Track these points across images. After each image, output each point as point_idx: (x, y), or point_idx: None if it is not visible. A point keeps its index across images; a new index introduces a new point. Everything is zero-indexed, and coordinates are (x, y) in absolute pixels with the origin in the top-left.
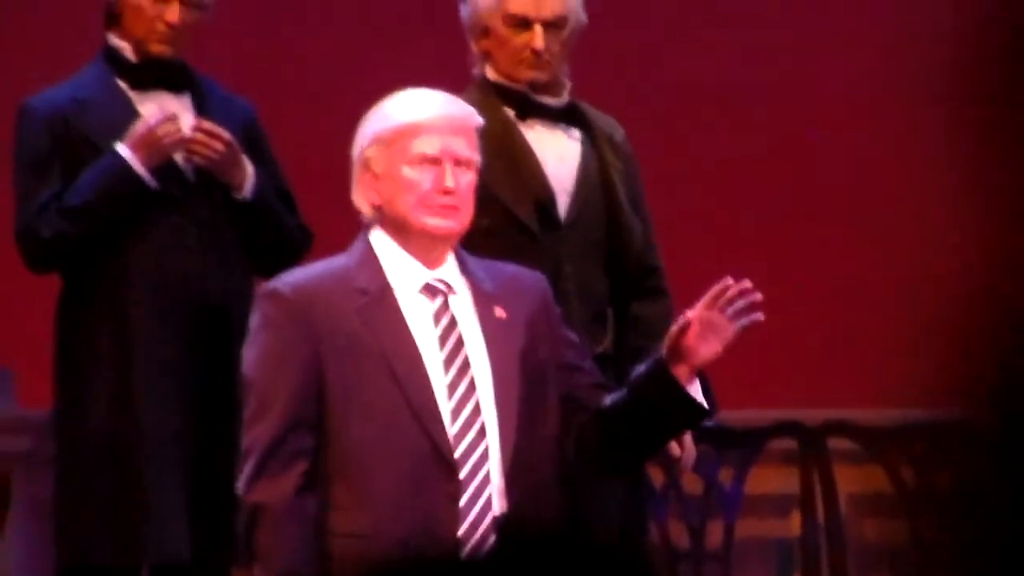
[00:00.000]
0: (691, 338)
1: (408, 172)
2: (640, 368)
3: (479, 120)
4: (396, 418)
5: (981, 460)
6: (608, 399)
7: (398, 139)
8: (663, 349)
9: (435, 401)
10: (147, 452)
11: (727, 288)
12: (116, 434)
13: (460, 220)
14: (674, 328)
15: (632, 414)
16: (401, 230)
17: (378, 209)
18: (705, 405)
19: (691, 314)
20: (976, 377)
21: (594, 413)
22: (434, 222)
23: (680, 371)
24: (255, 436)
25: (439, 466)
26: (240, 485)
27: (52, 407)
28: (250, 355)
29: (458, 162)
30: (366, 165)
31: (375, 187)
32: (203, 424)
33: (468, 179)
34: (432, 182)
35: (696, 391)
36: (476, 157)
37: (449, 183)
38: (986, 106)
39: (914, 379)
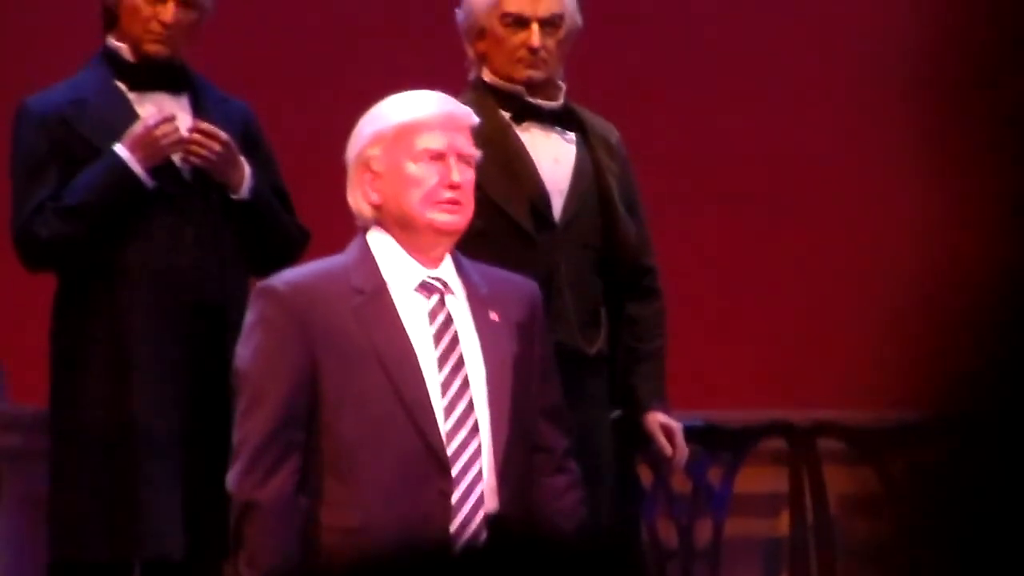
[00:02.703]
0: None
1: (413, 168)
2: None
3: (475, 119)
4: (388, 414)
5: (955, 458)
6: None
7: (401, 136)
8: None
9: (428, 397)
10: (142, 450)
11: None
12: (111, 432)
13: (464, 215)
14: None
15: None
16: (405, 228)
17: (378, 209)
18: None
19: None
20: (938, 376)
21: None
22: (441, 218)
23: None
24: (246, 432)
25: (431, 463)
26: (230, 480)
27: (47, 404)
28: (244, 351)
29: (461, 157)
30: (366, 165)
31: (375, 187)
32: (198, 422)
33: (469, 175)
34: (438, 177)
35: None
36: (477, 153)
37: (456, 178)
38: (950, 96)
39: (889, 379)
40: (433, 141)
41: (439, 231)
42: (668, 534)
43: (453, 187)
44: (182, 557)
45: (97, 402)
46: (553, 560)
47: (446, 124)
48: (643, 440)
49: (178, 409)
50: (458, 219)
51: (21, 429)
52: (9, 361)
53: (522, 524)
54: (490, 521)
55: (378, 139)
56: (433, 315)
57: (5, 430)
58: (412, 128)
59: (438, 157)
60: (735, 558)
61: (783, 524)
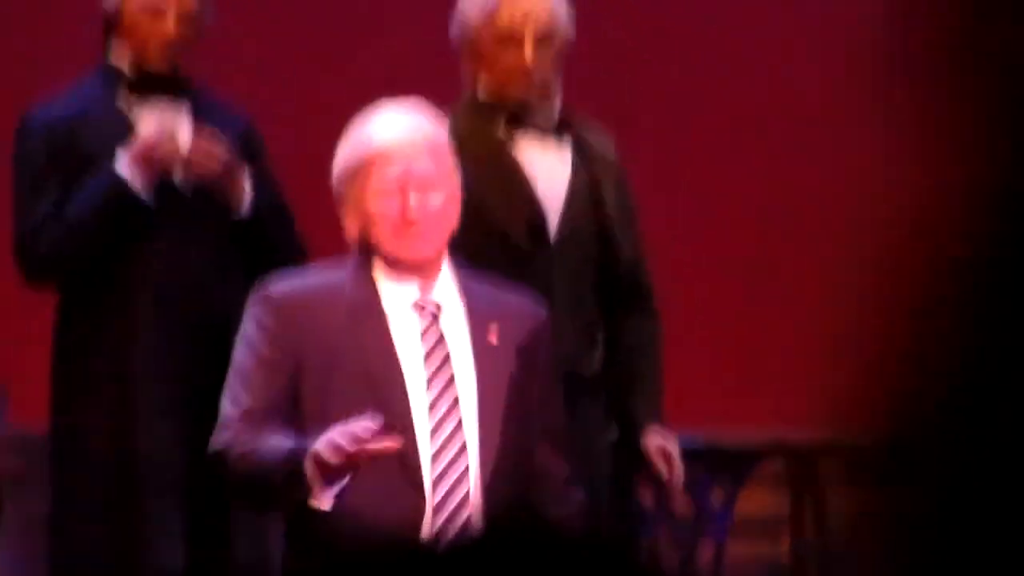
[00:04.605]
0: None
1: (374, 204)
2: None
3: (437, 133)
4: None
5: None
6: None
7: (360, 171)
8: None
9: (410, 416)
10: (145, 472)
11: None
12: (114, 454)
13: (432, 243)
14: None
15: None
16: (383, 256)
17: (359, 238)
18: None
19: None
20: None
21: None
22: (403, 251)
23: None
24: (227, 412)
25: (406, 484)
26: (209, 448)
27: (49, 424)
28: (237, 348)
29: (422, 186)
30: (341, 198)
31: (351, 218)
32: (203, 441)
33: (437, 200)
34: (397, 210)
35: None
36: (442, 172)
37: (412, 204)
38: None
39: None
40: (388, 173)
41: (404, 263)
42: (669, 557)
43: (411, 213)
44: None
45: (100, 423)
46: (552, 554)
47: (403, 152)
48: (641, 461)
49: (182, 429)
50: (423, 249)
51: (24, 452)
52: (12, 383)
53: (519, 521)
54: (488, 519)
55: (343, 173)
56: (424, 334)
57: (8, 453)
58: (369, 161)
59: (397, 186)
60: None
61: (785, 546)
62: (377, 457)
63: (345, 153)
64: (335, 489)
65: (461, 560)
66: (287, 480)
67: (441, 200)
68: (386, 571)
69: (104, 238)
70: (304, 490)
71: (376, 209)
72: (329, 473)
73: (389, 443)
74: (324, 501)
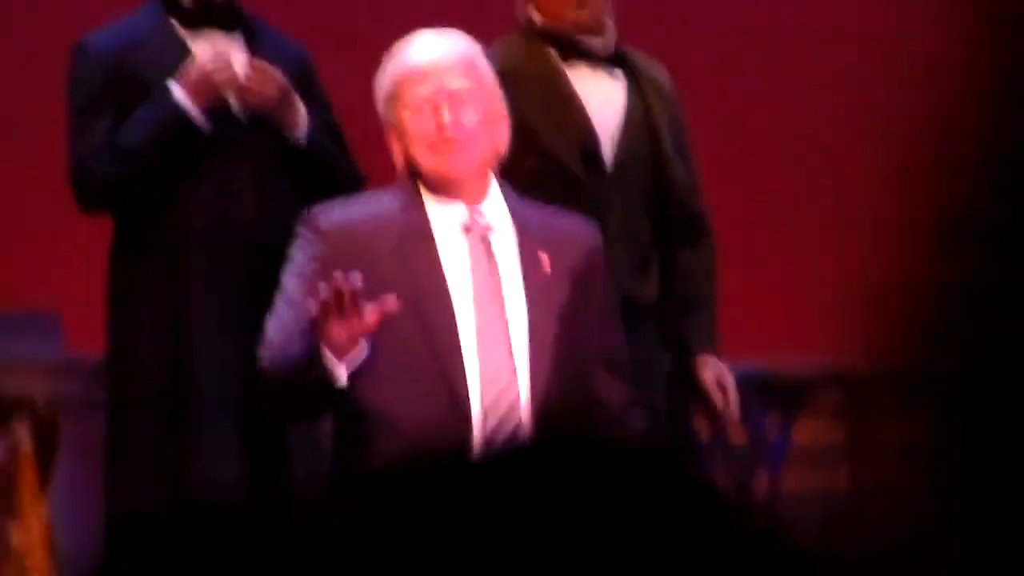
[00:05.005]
0: None
1: (410, 120)
2: None
3: (476, 52)
4: (416, 356)
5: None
6: None
7: (396, 91)
8: None
9: (458, 340)
10: (200, 397)
11: None
12: (169, 380)
13: (470, 158)
14: None
15: None
16: (426, 177)
17: (407, 162)
18: None
19: None
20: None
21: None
22: (442, 163)
23: None
24: (270, 331)
25: (453, 407)
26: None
27: (105, 352)
28: (284, 274)
29: (455, 98)
30: (387, 123)
31: (395, 142)
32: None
33: (472, 116)
34: (433, 124)
35: None
36: (479, 90)
37: (445, 120)
38: None
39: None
40: (421, 90)
41: (446, 176)
42: (725, 486)
43: (446, 130)
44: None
45: (154, 349)
46: (608, 461)
47: (434, 68)
48: (696, 390)
49: (236, 356)
50: (458, 164)
51: (79, 377)
52: (66, 309)
53: (574, 424)
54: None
55: (384, 97)
56: (473, 256)
57: (63, 378)
58: (403, 80)
59: (430, 104)
60: (792, 511)
61: (841, 476)
62: (380, 320)
63: (382, 78)
64: (348, 361)
65: (511, 464)
66: (310, 367)
67: (477, 117)
68: (431, 474)
69: (159, 163)
70: (322, 369)
71: (412, 127)
72: (335, 339)
73: (389, 304)
74: (340, 375)
